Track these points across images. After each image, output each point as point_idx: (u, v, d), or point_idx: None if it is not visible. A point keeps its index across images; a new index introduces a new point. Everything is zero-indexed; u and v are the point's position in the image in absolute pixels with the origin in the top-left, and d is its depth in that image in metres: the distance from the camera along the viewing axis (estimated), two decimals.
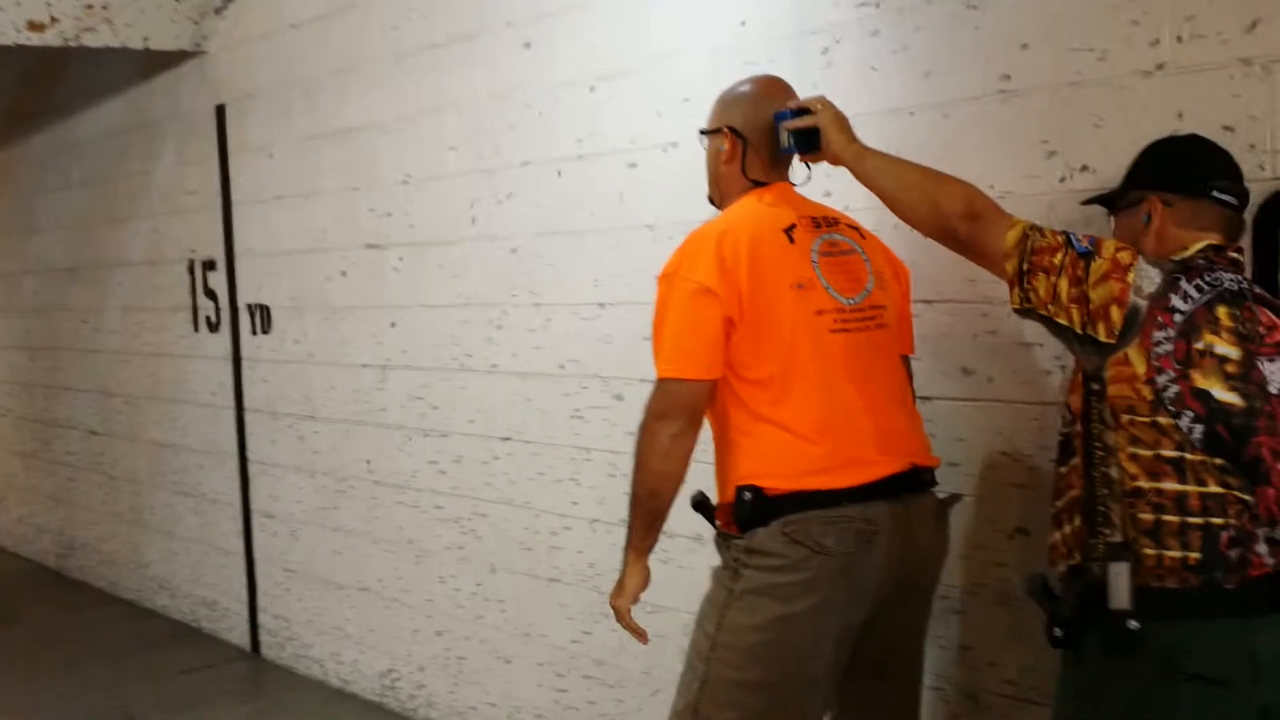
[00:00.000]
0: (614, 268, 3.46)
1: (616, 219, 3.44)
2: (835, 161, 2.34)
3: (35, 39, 4.67)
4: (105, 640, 5.56)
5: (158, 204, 5.61)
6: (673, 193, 3.23)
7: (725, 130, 2.45)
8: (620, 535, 3.52)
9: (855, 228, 2.50)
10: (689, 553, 3.27)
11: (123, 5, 4.72)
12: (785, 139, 2.39)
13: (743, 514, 2.30)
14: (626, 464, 3.45)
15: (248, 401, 5.09)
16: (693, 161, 3.02)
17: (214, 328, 5.25)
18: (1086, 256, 1.93)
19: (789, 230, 2.35)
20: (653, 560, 3.42)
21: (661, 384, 2.32)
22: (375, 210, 4.28)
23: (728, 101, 2.50)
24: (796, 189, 2.50)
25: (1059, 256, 1.95)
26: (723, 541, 2.39)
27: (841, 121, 2.33)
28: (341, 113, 4.39)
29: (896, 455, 2.35)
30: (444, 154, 3.98)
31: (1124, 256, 1.93)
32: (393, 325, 4.26)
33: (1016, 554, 2.60)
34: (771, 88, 2.50)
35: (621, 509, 3.51)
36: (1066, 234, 1.98)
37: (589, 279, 3.54)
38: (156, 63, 5.32)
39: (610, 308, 3.50)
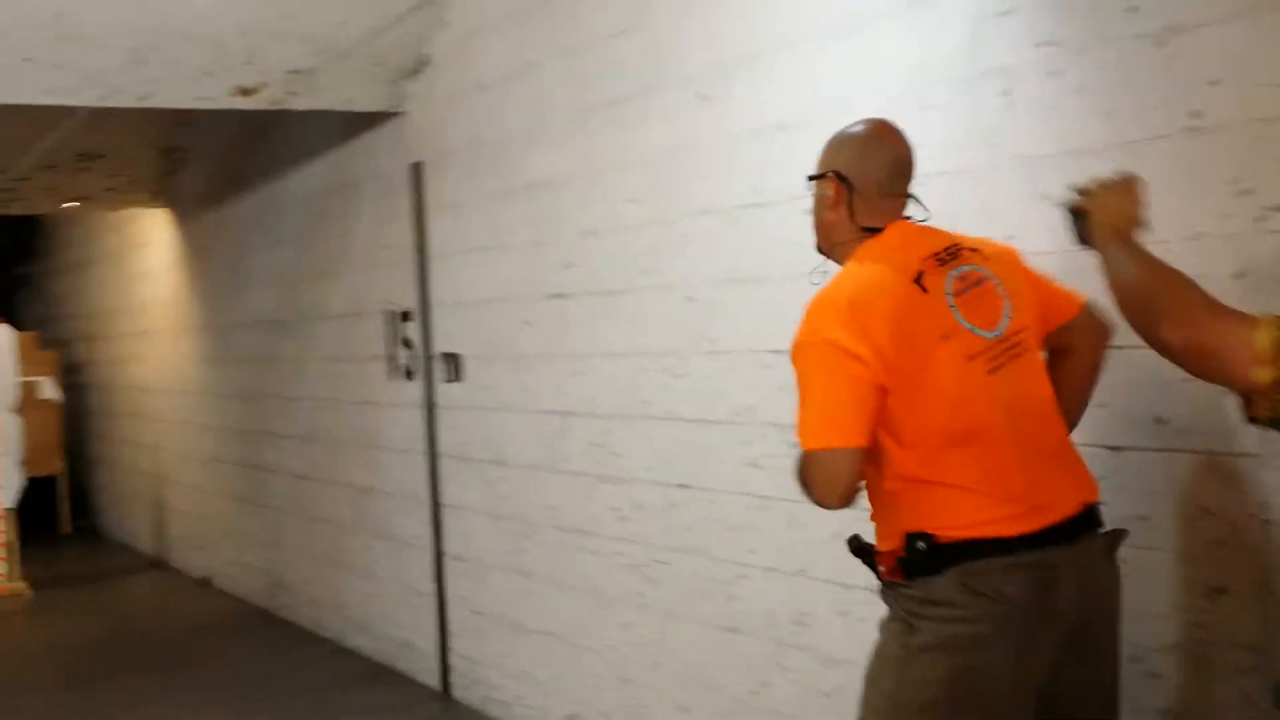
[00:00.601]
0: (790, 315, 3.42)
1: (792, 267, 3.42)
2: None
3: (244, 103, 4.99)
4: (305, 678, 5.81)
5: (358, 259, 5.88)
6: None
7: (831, 175, 2.38)
8: (802, 585, 3.50)
9: (976, 249, 2.38)
10: (865, 604, 3.19)
11: (325, 70, 4.99)
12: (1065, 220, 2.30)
13: (914, 562, 2.23)
14: (804, 513, 3.44)
15: (440, 447, 5.26)
16: None
17: (409, 376, 5.45)
18: None
19: (919, 279, 2.26)
20: (830, 613, 3.40)
21: (809, 456, 2.23)
22: (559, 262, 4.39)
23: (834, 145, 2.43)
24: (914, 221, 2.40)
25: None
26: (891, 592, 2.32)
27: (1111, 208, 2.18)
28: (527, 169, 4.53)
29: (1066, 495, 2.26)
30: (624, 206, 4.06)
31: None
32: (575, 374, 4.35)
33: (1218, 616, 2.46)
34: (880, 130, 2.42)
35: (800, 559, 3.49)
36: None
37: (765, 327, 3.53)
38: (356, 124, 5.60)
39: (786, 355, 3.47)
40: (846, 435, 2.21)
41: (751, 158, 3.55)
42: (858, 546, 2.40)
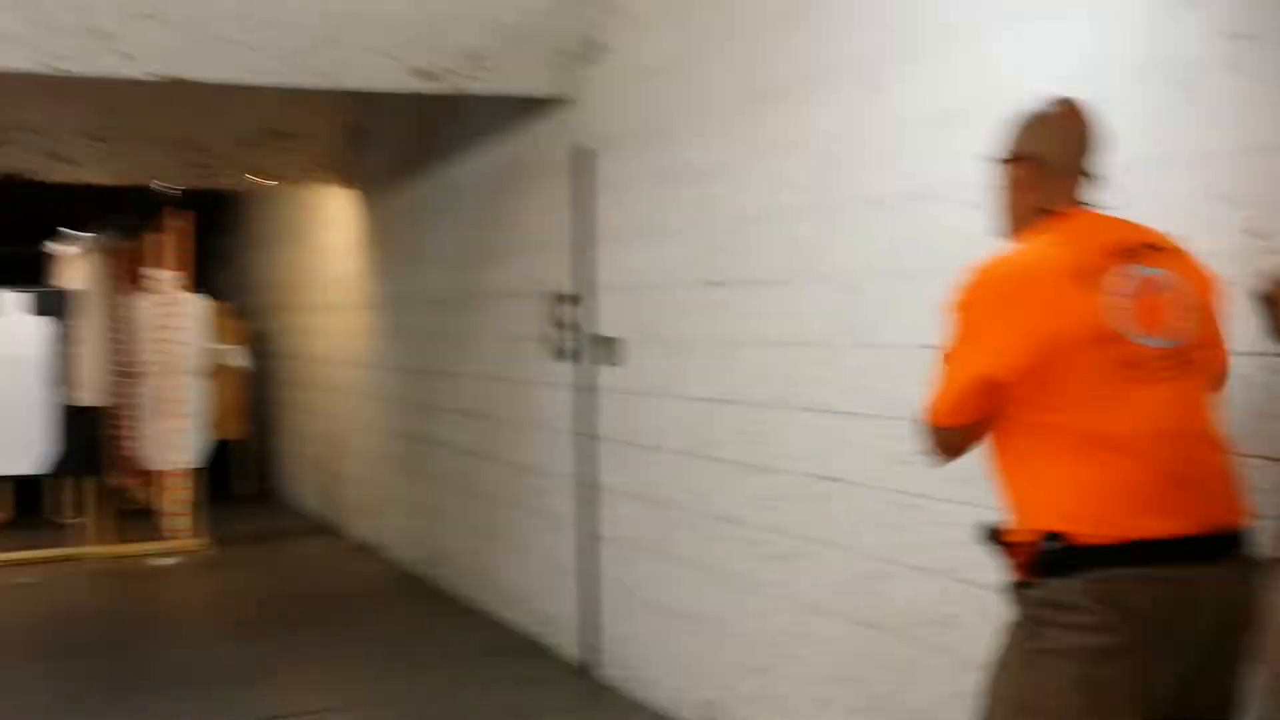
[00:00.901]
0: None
1: (952, 259, 3.34)
2: None
3: (424, 86, 5.15)
4: (454, 646, 5.97)
5: (526, 241, 6.00)
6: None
7: (1018, 156, 2.34)
8: (948, 585, 3.43)
9: (1166, 250, 2.28)
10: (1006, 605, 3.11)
11: (500, 55, 5.11)
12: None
13: (1045, 562, 2.17)
14: (953, 514, 3.37)
15: (595, 429, 5.33)
16: None
17: (569, 358, 5.55)
18: None
19: (1092, 271, 2.18)
20: (975, 615, 3.31)
21: (930, 428, 2.34)
22: (717, 248, 4.40)
23: (1022, 126, 2.37)
24: (1104, 209, 2.32)
25: None
26: (1018, 593, 2.26)
27: None
28: (691, 154, 4.55)
29: (1212, 515, 2.16)
30: (784, 193, 4.04)
31: None
32: (728, 361, 4.35)
33: None
34: (1069, 109, 2.35)
35: (947, 559, 3.42)
36: None
37: (922, 320, 3.46)
38: (529, 109, 5.72)
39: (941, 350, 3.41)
40: (965, 416, 2.28)
41: (916, 147, 3.49)
42: (989, 535, 2.34)
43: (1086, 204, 2.33)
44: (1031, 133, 2.35)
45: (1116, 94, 2.81)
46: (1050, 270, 2.20)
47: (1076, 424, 2.16)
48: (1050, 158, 2.30)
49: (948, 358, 2.30)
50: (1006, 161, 2.38)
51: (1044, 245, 2.25)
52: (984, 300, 2.23)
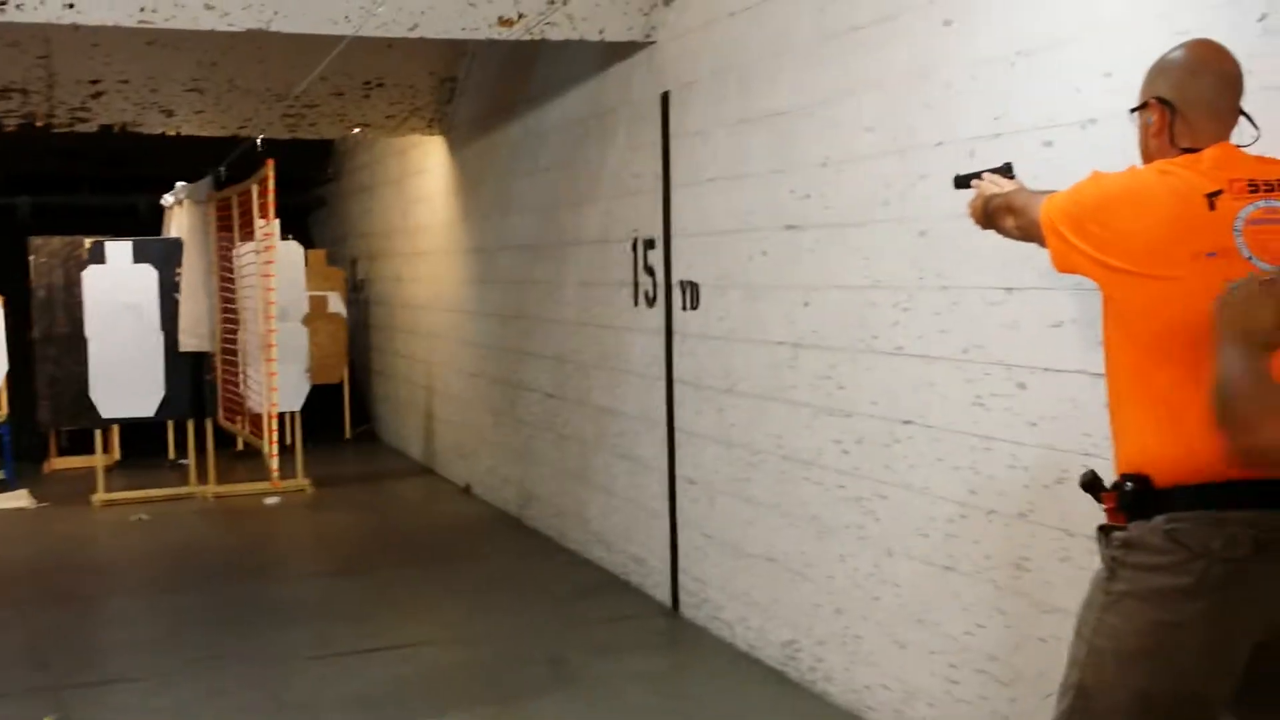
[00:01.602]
0: (1024, 252, 3.30)
1: None
2: None
3: (504, 33, 5.19)
4: (546, 584, 6.11)
5: (609, 187, 6.03)
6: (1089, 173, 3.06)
7: (1153, 101, 2.35)
8: (1023, 528, 3.43)
9: None
10: (1088, 552, 3.09)
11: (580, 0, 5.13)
12: None
13: (1124, 504, 2.20)
14: (1028, 456, 3.36)
15: (676, 373, 5.38)
16: (1113, 141, 2.87)
17: (651, 303, 5.59)
18: None
19: (1212, 195, 2.18)
20: (1052, 559, 3.31)
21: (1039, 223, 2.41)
22: (795, 192, 4.38)
23: (1155, 71, 2.39)
24: (1244, 148, 2.30)
25: None
26: (1103, 535, 2.28)
27: (1241, 311, 2.11)
28: (769, 97, 4.53)
29: None
30: (861, 136, 4.01)
31: None
32: (805, 305, 4.35)
33: None
34: (1202, 51, 2.36)
35: (1022, 502, 3.41)
36: None
37: (997, 263, 3.43)
38: (610, 54, 5.72)
39: (1018, 293, 3.38)
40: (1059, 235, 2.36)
41: (993, 86, 3.44)
42: (1088, 482, 2.36)
43: (1224, 141, 2.32)
44: (1164, 76, 2.36)
45: (1196, 28, 2.74)
46: (1165, 186, 2.22)
47: (1173, 344, 2.15)
48: (1183, 100, 2.31)
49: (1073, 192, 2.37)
50: (1140, 107, 2.40)
51: (1167, 169, 2.27)
52: (1081, 208, 2.29)
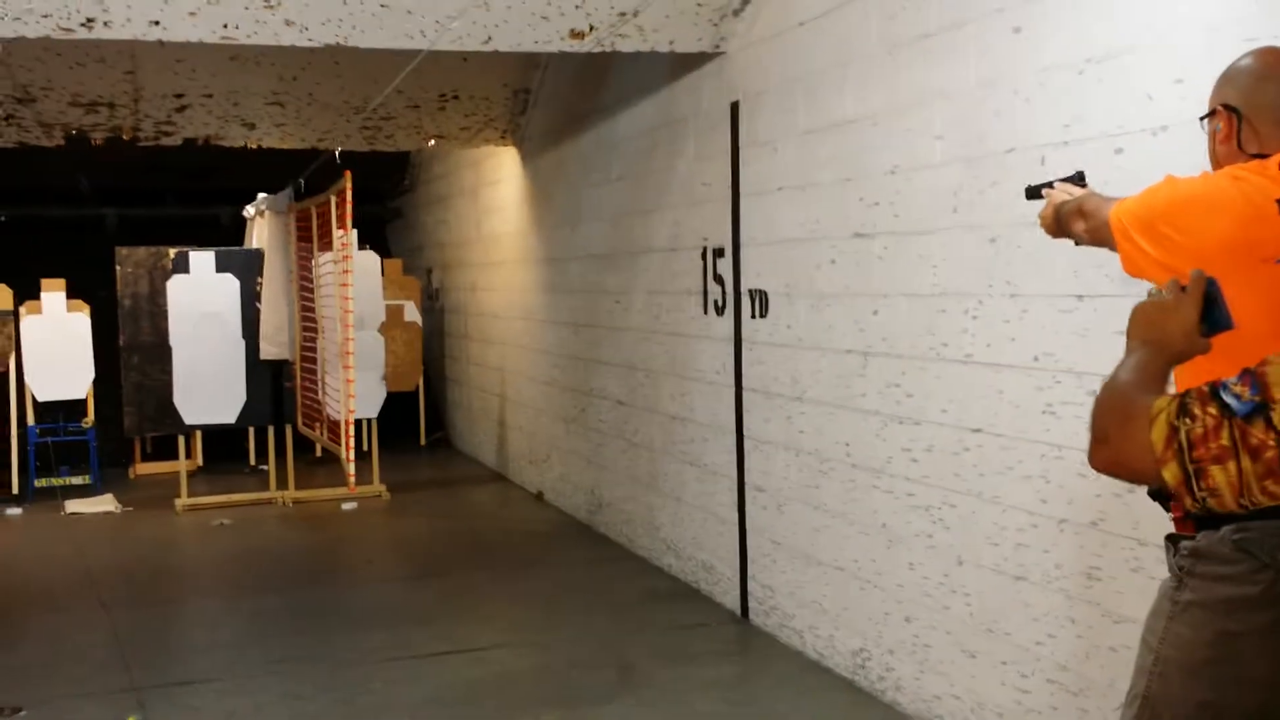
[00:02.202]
0: (1095, 258, 3.31)
1: None
2: None
3: (575, 46, 5.25)
4: (616, 590, 6.15)
5: (679, 196, 6.07)
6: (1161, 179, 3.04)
7: (1220, 108, 2.36)
8: (1093, 538, 3.40)
9: None
10: (1159, 562, 3.06)
11: (651, 11, 5.17)
12: None
13: (1194, 514, 2.17)
14: None
15: (745, 381, 5.40)
16: (1184, 147, 2.85)
17: (720, 311, 5.61)
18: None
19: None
20: (1123, 569, 3.28)
21: (1109, 225, 2.41)
22: (864, 200, 4.39)
23: (1224, 79, 2.40)
24: None
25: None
26: (1170, 545, 2.26)
27: (1152, 319, 2.08)
28: (838, 106, 4.54)
29: None
30: (930, 144, 4.00)
31: None
32: (874, 313, 4.35)
33: None
34: (1271, 59, 2.36)
35: (1093, 512, 3.38)
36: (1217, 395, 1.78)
37: (1068, 270, 3.42)
38: (681, 65, 5.77)
39: (1088, 300, 3.36)
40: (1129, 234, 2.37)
41: (1063, 93, 3.43)
42: (1157, 490, 2.34)
43: None
44: (1232, 83, 2.37)
45: (1268, 35, 2.72)
46: (1252, 190, 2.22)
47: (1239, 350, 2.13)
48: (1250, 107, 2.32)
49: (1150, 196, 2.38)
50: (1209, 115, 2.41)
51: (1238, 173, 2.28)
52: (1155, 210, 2.31)
